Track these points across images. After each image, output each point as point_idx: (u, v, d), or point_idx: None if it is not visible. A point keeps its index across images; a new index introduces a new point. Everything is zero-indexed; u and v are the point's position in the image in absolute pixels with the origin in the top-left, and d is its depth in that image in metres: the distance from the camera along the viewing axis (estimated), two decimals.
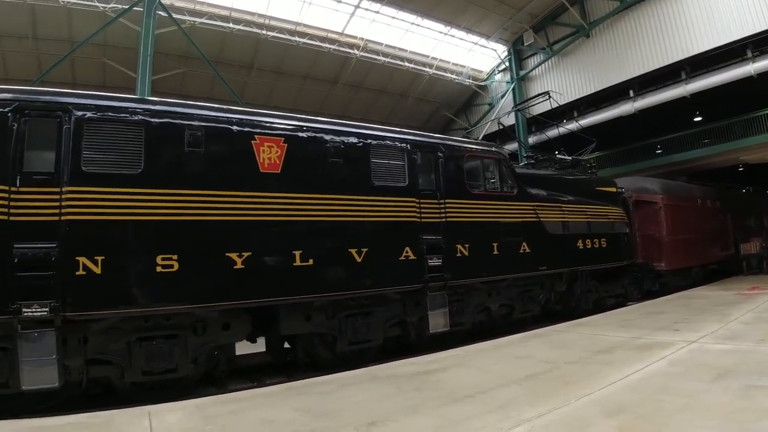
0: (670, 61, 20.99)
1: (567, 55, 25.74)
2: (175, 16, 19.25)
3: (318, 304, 7.51)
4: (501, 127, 20.22)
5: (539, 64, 27.26)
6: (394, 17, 24.62)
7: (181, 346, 6.48)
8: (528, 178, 10.80)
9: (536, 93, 19.77)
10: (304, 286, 7.15)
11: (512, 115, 25.07)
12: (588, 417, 4.10)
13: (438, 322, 8.47)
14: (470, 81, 29.71)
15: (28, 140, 5.78)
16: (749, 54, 18.93)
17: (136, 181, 6.16)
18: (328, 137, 7.73)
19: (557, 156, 14.25)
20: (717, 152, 22.19)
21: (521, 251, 9.78)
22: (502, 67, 29.35)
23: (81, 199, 5.83)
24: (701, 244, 17.31)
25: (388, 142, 8.42)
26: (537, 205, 10.31)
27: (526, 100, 20.66)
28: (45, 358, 5.52)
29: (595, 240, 11.60)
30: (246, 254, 6.68)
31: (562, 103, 22.13)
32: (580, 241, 11.23)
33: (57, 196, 5.75)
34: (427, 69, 27.74)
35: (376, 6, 23.73)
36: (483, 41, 27.71)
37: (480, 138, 26.28)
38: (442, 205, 8.70)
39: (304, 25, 23.94)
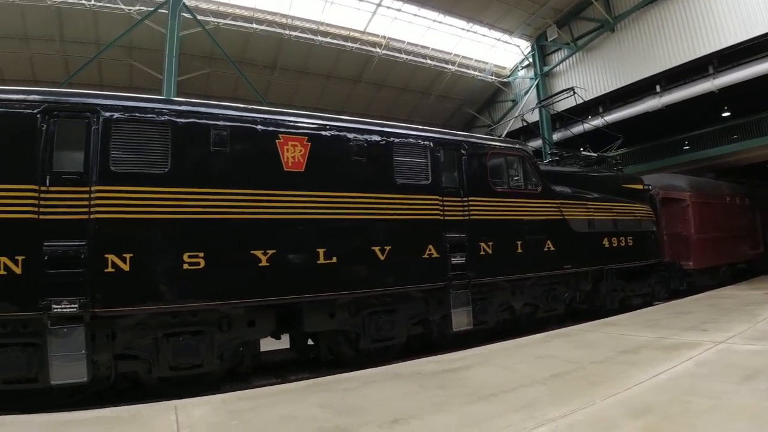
0: (697, 55, 20.51)
1: (592, 50, 25.36)
2: (199, 17, 19.52)
3: (341, 302, 7.55)
4: (525, 123, 20.04)
5: (563, 60, 26.91)
6: (415, 14, 24.59)
7: (207, 342, 6.59)
8: (552, 175, 10.67)
9: (560, 89, 19.50)
10: (327, 284, 7.19)
11: (536, 111, 24.77)
12: (613, 417, 4.05)
13: (461, 320, 8.43)
14: (493, 77, 29.48)
15: (57, 141, 5.93)
16: None
17: (163, 181, 6.28)
18: (351, 136, 7.76)
19: (582, 153, 14.05)
20: (746, 148, 21.65)
21: (546, 249, 9.67)
22: (526, 63, 29.07)
23: (110, 198, 5.97)
24: (729, 242, 16.87)
25: (410, 139, 8.40)
26: (562, 203, 10.18)
27: (551, 96, 20.41)
28: (74, 354, 5.66)
29: (621, 238, 11.41)
30: (271, 252, 6.75)
31: (587, 98, 21.79)
32: (606, 239, 11.05)
33: (86, 196, 5.89)
34: (449, 66, 27.61)
35: (398, 4, 23.73)
36: (506, 37, 27.49)
37: (503, 135, 26.06)
38: (466, 203, 8.66)
39: (327, 25, 24.05)
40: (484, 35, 26.96)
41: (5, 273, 5.45)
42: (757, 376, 4.91)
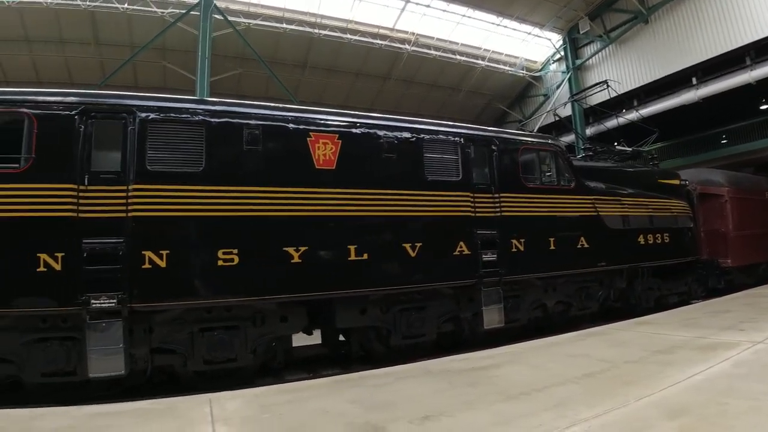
0: (734, 46, 19.88)
1: (625, 42, 24.80)
2: (230, 18, 19.81)
3: (372, 298, 7.59)
4: (557, 118, 19.75)
5: (596, 53, 26.39)
6: (444, 10, 24.44)
7: (241, 337, 6.71)
8: (586, 170, 10.47)
9: (593, 82, 19.15)
10: (358, 280, 7.25)
11: (568, 105, 24.38)
12: (647, 418, 3.95)
13: (492, 318, 8.38)
14: (524, 72, 29.11)
15: (95, 141, 6.12)
16: None
17: (198, 179, 6.43)
18: (381, 133, 7.78)
19: (617, 147, 13.76)
20: None
21: (579, 246, 9.51)
22: (557, 56, 28.62)
23: (146, 196, 6.14)
24: None
25: (441, 136, 8.37)
26: (596, 199, 9.99)
27: (583, 90, 20.07)
28: (112, 347, 5.84)
29: (657, 235, 11.13)
30: (303, 249, 6.84)
31: (620, 92, 21.34)
32: (641, 236, 10.80)
33: (123, 194, 6.07)
34: (479, 61, 27.38)
35: (427, 0, 23.60)
36: (537, 31, 27.10)
37: (535, 130, 25.73)
38: (497, 200, 8.58)
39: (356, 22, 24.13)
40: (514, 29, 26.64)
41: (45, 270, 5.66)
42: None
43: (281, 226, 6.80)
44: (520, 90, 31.33)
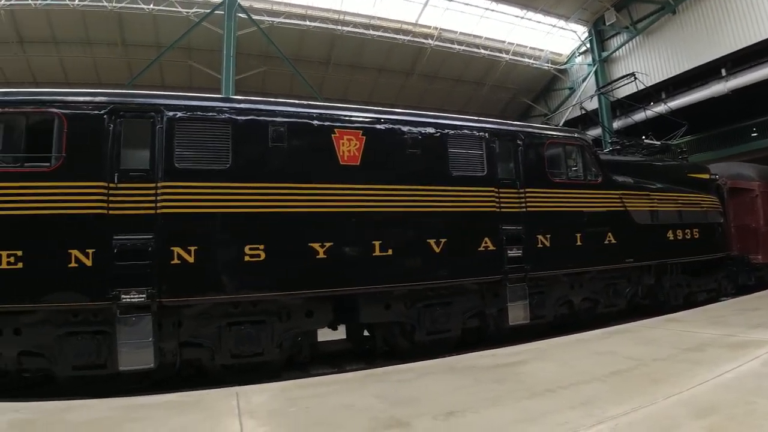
0: (764, 37, 19.28)
1: (652, 33, 24.26)
2: (254, 17, 19.97)
3: (397, 294, 7.59)
4: (583, 111, 19.45)
5: (622, 45, 25.90)
6: (467, 4, 24.23)
7: (268, 332, 6.80)
8: (613, 164, 10.28)
9: (620, 75, 18.80)
10: (383, 276, 7.27)
11: (595, 99, 23.95)
12: (675, 417, 3.88)
13: (518, 314, 8.31)
14: (549, 65, 28.72)
15: (124, 140, 6.27)
16: None
17: (225, 176, 6.53)
18: (405, 128, 7.77)
19: (645, 141, 13.50)
20: None
21: (606, 242, 9.35)
22: (583, 49, 28.16)
23: (175, 193, 6.26)
24: None
25: (465, 131, 8.32)
26: (623, 194, 9.81)
27: (610, 83, 19.69)
28: (142, 341, 5.99)
29: (686, 230, 10.87)
30: (328, 244, 6.89)
31: (648, 84, 20.90)
32: (670, 231, 10.56)
33: (152, 191, 6.20)
34: (503, 55, 27.12)
35: None
36: (562, 23, 26.70)
37: (561, 124, 25.38)
38: (522, 195, 8.50)
39: (379, 18, 24.12)
40: (538, 22, 26.28)
41: (77, 265, 5.82)
42: None
43: (306, 222, 6.86)
44: (545, 83, 30.94)
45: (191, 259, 6.21)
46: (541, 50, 28.18)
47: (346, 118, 7.51)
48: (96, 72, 23.45)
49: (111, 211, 6.02)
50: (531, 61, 28.04)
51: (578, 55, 28.60)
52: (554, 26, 26.89)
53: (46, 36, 21.63)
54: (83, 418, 4.46)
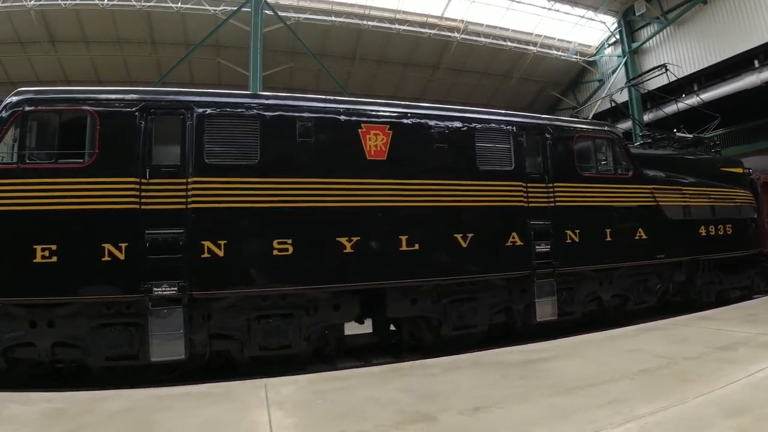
0: None
1: (683, 24, 23.59)
2: (280, 13, 20.10)
3: (424, 288, 7.60)
4: (613, 104, 19.03)
5: (653, 36, 25.25)
6: None
7: (295, 325, 6.88)
8: (645, 158, 10.07)
9: (650, 66, 18.36)
10: (410, 270, 7.28)
11: (625, 91, 23.42)
12: (706, 416, 3.82)
13: (545, 310, 8.22)
14: (578, 57, 28.16)
15: (155, 136, 6.41)
16: None
17: (254, 171, 6.63)
18: (432, 123, 7.75)
19: (676, 134, 13.18)
20: None
21: (637, 238, 9.17)
22: (612, 40, 27.53)
23: (205, 188, 6.39)
24: None
25: (492, 125, 8.26)
26: (654, 188, 9.60)
27: (641, 75, 19.28)
28: (173, 333, 6.14)
29: (719, 226, 10.59)
30: (355, 239, 6.94)
31: (679, 76, 20.37)
32: (702, 227, 10.30)
33: (183, 187, 6.33)
34: (530, 47, 26.72)
35: None
36: (590, 14, 26.13)
37: (590, 117, 24.96)
38: (551, 189, 8.40)
39: (404, 12, 24.03)
40: (566, 13, 25.77)
41: (110, 259, 5.99)
42: None
43: (334, 217, 6.92)
44: (573, 76, 30.40)
45: (221, 253, 6.33)
46: (570, 42, 27.66)
47: (373, 112, 7.53)
48: (126, 70, 23.93)
49: (143, 206, 6.17)
50: (559, 53, 27.58)
51: (607, 47, 28.00)
52: (582, 17, 26.35)
53: (76, 35, 22.14)
54: (115, 407, 4.58)
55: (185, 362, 6.34)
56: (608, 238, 8.81)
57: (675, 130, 13.31)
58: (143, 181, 6.22)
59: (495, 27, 25.68)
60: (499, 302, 8.25)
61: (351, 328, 8.23)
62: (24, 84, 7.67)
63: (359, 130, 7.23)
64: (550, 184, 8.41)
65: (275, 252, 6.56)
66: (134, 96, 6.52)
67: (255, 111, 6.84)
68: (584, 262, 8.69)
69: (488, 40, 25.66)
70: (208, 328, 6.55)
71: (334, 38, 24.06)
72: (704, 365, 5.33)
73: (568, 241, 8.43)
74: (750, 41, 20.48)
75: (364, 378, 5.53)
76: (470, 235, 7.63)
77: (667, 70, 13.70)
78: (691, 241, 10.10)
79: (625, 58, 26.25)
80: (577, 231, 8.50)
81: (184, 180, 6.34)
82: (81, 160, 6.14)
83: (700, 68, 22.83)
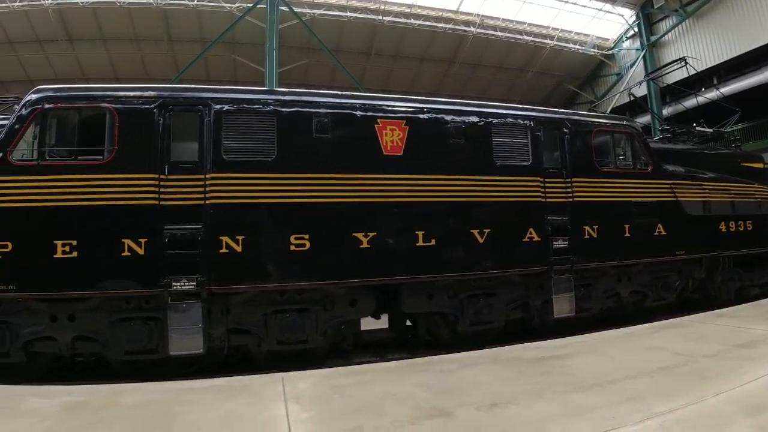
0: None
1: (703, 16, 23.23)
2: (295, 9, 20.15)
3: (440, 284, 7.57)
4: (632, 98, 18.77)
5: (672, 28, 24.91)
6: None
7: (312, 320, 6.92)
8: (664, 153, 9.91)
9: (669, 60, 18.09)
10: (426, 266, 7.26)
11: (643, 85, 23.12)
12: (725, 415, 3.78)
13: (563, 306, 8.15)
14: (595, 50, 27.91)
15: (173, 133, 6.47)
16: None
17: (271, 167, 6.66)
18: (448, 117, 7.71)
19: (696, 128, 12.97)
20: None
21: (656, 233, 9.04)
22: (630, 33, 27.24)
23: (223, 184, 6.43)
24: None
25: (509, 119, 8.18)
26: (674, 183, 9.45)
27: (660, 68, 18.97)
28: (192, 327, 6.21)
29: (739, 222, 10.39)
30: (371, 234, 6.94)
31: (699, 69, 20.04)
32: (722, 223, 10.12)
33: (201, 183, 6.38)
34: (547, 41, 26.53)
35: None
36: (608, 6, 25.89)
37: (608, 111, 24.68)
38: (569, 185, 8.31)
39: (419, 7, 23.97)
40: (584, 6, 25.52)
41: (130, 254, 6.07)
42: None
43: (350, 213, 6.93)
44: (591, 69, 30.09)
45: (239, 248, 6.38)
46: (587, 35, 27.40)
47: (389, 108, 7.52)
48: (144, 67, 24.19)
49: (162, 202, 6.24)
50: (576, 46, 27.32)
51: (626, 40, 27.67)
52: (600, 10, 26.07)
53: (94, 33, 22.43)
54: (135, 400, 4.64)
55: (203, 356, 6.41)
56: (627, 234, 8.70)
57: (694, 125, 13.11)
58: (162, 177, 6.28)
59: (511, 21, 25.54)
60: (516, 298, 8.21)
61: (367, 324, 8.25)
62: (42, 82, 7.77)
63: (375, 126, 7.22)
64: (568, 180, 8.33)
65: (292, 247, 6.59)
66: (152, 93, 6.59)
67: (272, 107, 6.87)
68: (602, 258, 8.59)
69: (504, 34, 25.50)
70: (226, 323, 6.62)
71: (349, 34, 24.06)
72: (723, 363, 5.27)
73: (586, 236, 8.34)
74: None
75: (381, 373, 5.55)
76: (487, 231, 7.59)
77: (686, 63, 13.47)
78: (711, 237, 9.94)
79: (644, 51, 25.92)
80: (596, 227, 8.40)
81: (202, 176, 6.40)
82: (100, 157, 6.21)
83: (720, 61, 22.55)
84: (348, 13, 22.85)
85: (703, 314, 8.44)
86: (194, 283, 6.20)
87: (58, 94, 6.36)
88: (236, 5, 21.04)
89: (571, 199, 8.29)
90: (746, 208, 10.63)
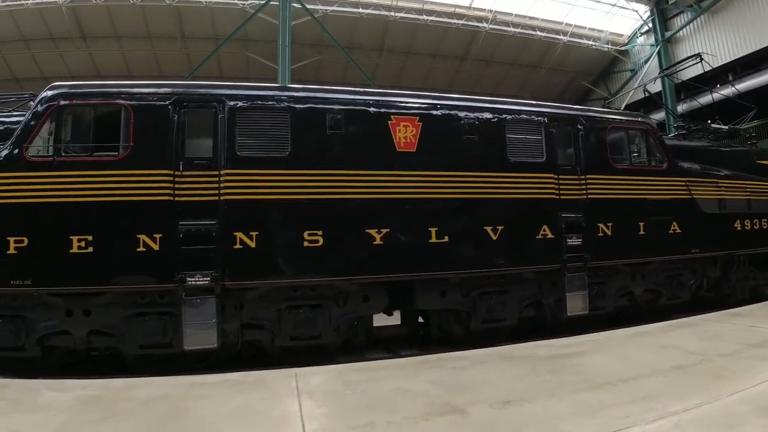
0: None
1: (718, 12, 22.88)
2: (308, 6, 20.15)
3: (453, 281, 7.56)
4: (647, 94, 18.56)
5: (686, 24, 24.57)
6: None
7: (325, 316, 6.94)
8: (679, 150, 9.80)
9: (684, 56, 17.87)
10: (439, 263, 7.25)
11: (658, 81, 22.88)
12: (739, 414, 3.76)
13: (576, 304, 8.10)
14: (609, 46, 27.59)
15: (188, 129, 6.51)
16: None
17: (285, 163, 6.69)
18: (462, 114, 7.68)
19: (711, 125, 12.82)
20: None
21: (670, 231, 8.95)
22: (645, 29, 26.89)
23: (237, 180, 6.47)
24: None
25: (523, 116, 8.13)
26: (689, 181, 9.34)
27: (675, 64, 18.76)
28: (206, 322, 6.26)
29: (755, 220, 10.25)
30: (384, 231, 6.95)
31: (714, 65, 19.78)
32: (737, 221, 10.01)
33: (216, 179, 6.42)
34: (561, 37, 26.30)
35: None
36: (622, 2, 25.56)
37: (622, 108, 24.45)
38: (583, 182, 8.25)
39: (432, 3, 23.87)
40: (598, 1, 25.26)
41: (145, 250, 6.12)
42: None
43: (364, 209, 6.94)
44: (605, 66, 29.82)
45: (253, 244, 6.41)
46: (601, 31, 27.10)
47: (402, 104, 7.50)
48: (157, 64, 24.35)
49: (177, 198, 6.29)
50: (590, 42, 27.05)
51: (640, 36, 27.35)
52: (614, 5, 25.78)
53: (107, 31, 22.62)
54: (149, 394, 4.69)
55: (217, 351, 6.45)
56: (641, 232, 8.62)
57: (710, 122, 12.96)
58: (176, 173, 6.33)
59: (524, 16, 25.36)
60: (529, 296, 8.17)
61: (379, 320, 8.27)
62: (56, 79, 7.85)
63: (389, 122, 7.21)
64: (583, 176, 8.27)
65: (306, 243, 6.62)
66: (167, 89, 6.63)
67: (285, 103, 6.89)
68: (617, 256, 8.52)
69: (517, 30, 25.33)
70: (240, 318, 6.66)
71: (361, 30, 24.05)
72: (738, 362, 5.23)
73: (601, 234, 8.27)
74: None
75: (393, 369, 5.56)
76: (500, 228, 7.56)
77: (702, 59, 13.31)
78: (727, 235, 9.82)
79: (658, 47, 25.62)
80: (610, 224, 8.33)
81: (217, 172, 6.44)
82: (115, 153, 6.27)
83: (736, 58, 22.22)
84: (360, 10, 22.82)
85: (715, 313, 8.37)
86: (208, 279, 6.25)
87: (73, 90, 6.42)
88: (249, 2, 21.12)
89: (585, 197, 8.23)
90: (762, 206, 10.50)
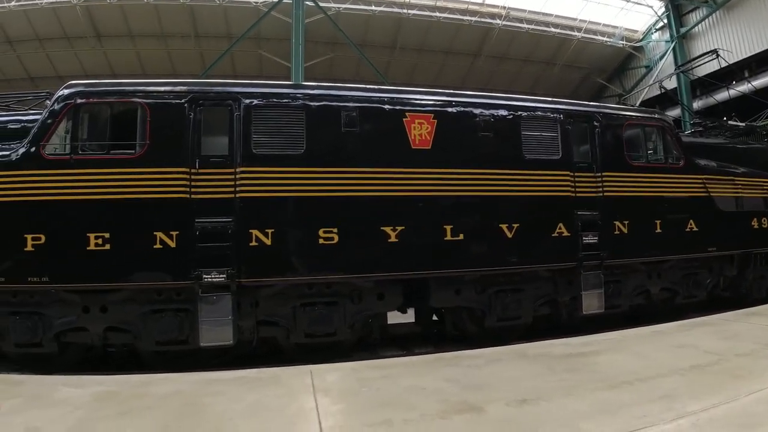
0: None
1: (734, 7, 22.52)
2: (321, 4, 20.15)
3: (468, 279, 7.55)
4: (663, 90, 18.34)
5: (702, 20, 24.21)
6: None
7: (340, 313, 6.97)
8: (696, 147, 9.70)
9: (700, 52, 17.66)
10: (454, 261, 7.25)
11: (673, 77, 22.62)
12: (758, 414, 3.72)
13: (592, 303, 8.04)
14: (624, 42, 27.30)
15: (204, 127, 6.55)
16: None
17: (300, 161, 6.71)
18: (477, 111, 7.65)
19: (728, 122, 12.65)
20: None
21: (687, 230, 8.86)
22: (660, 24, 26.54)
23: (253, 178, 6.51)
24: None
25: (539, 113, 8.09)
26: (706, 179, 9.23)
27: (690, 60, 18.54)
28: (222, 319, 6.30)
29: None
30: (399, 228, 6.95)
31: (730, 61, 19.50)
32: (754, 219, 9.89)
33: (231, 176, 6.46)
34: (575, 33, 26.06)
35: None
36: None
37: (637, 104, 24.20)
38: (599, 179, 8.18)
39: (445, 0, 23.73)
40: None
41: (161, 247, 6.18)
42: None
43: (379, 206, 6.95)
44: (619, 62, 29.49)
45: (268, 242, 6.45)
46: (615, 27, 26.80)
47: (417, 101, 7.49)
48: (171, 63, 24.51)
49: (193, 195, 6.34)
50: (604, 38, 26.75)
51: (655, 32, 27.01)
52: (629, 1, 25.50)
53: (121, 30, 22.80)
54: (165, 390, 4.72)
55: (233, 348, 6.49)
56: (658, 230, 8.54)
57: (726, 118, 12.80)
58: (193, 171, 6.38)
59: (538, 13, 25.14)
60: (544, 294, 8.13)
61: (393, 317, 8.27)
62: (71, 78, 7.93)
63: (404, 119, 7.20)
64: (598, 174, 8.20)
65: (321, 241, 6.64)
66: (183, 88, 6.69)
67: (300, 101, 6.92)
68: (633, 254, 8.45)
69: (531, 27, 25.13)
70: (255, 315, 6.70)
71: (374, 28, 24.02)
72: (756, 362, 5.18)
73: (617, 232, 8.21)
74: None
75: (408, 367, 5.55)
76: (516, 226, 7.52)
77: (718, 55, 13.14)
78: (744, 233, 9.70)
79: (674, 43, 25.32)
80: (626, 222, 8.26)
81: (233, 170, 6.47)
82: (132, 151, 6.33)
83: (752, 54, 21.88)
84: (373, 7, 22.77)
85: (732, 313, 8.28)
86: (224, 276, 6.29)
87: (90, 89, 6.49)
88: (262, 1, 21.16)
89: (601, 194, 8.17)
90: None
